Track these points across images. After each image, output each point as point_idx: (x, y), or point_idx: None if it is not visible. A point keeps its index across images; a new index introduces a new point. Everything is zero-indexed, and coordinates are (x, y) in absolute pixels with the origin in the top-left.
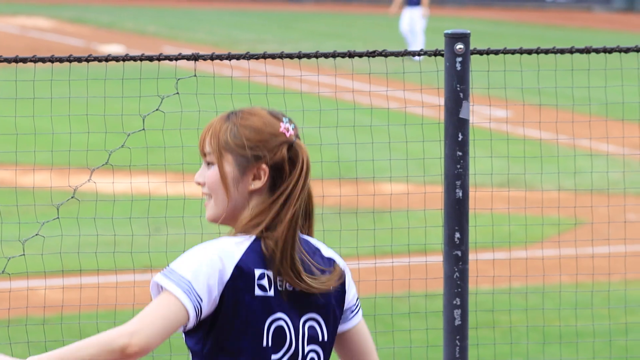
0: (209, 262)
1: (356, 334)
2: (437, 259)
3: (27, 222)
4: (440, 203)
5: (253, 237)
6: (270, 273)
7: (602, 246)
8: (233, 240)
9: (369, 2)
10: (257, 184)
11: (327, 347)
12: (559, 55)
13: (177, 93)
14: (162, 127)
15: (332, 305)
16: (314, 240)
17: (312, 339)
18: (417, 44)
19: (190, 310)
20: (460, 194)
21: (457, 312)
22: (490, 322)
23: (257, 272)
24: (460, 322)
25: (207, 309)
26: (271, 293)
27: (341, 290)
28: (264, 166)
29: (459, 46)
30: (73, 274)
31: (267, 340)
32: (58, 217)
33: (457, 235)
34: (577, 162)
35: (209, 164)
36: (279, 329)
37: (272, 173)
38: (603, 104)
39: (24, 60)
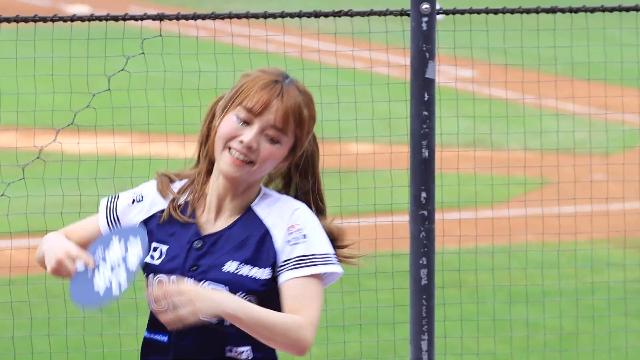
0: None
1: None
2: (403, 219)
3: None
4: (406, 163)
5: None
6: None
7: (568, 206)
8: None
9: None
10: (284, 168)
11: None
12: (524, 15)
13: (143, 53)
14: (128, 87)
15: None
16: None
17: None
18: None
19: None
20: (427, 154)
21: (423, 272)
22: (456, 281)
23: None
24: (426, 282)
25: None
26: None
27: None
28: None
29: (425, 6)
30: (39, 235)
31: None
32: (23, 178)
33: (424, 195)
34: (543, 122)
35: (273, 139)
36: None
37: None
38: (569, 64)
39: None
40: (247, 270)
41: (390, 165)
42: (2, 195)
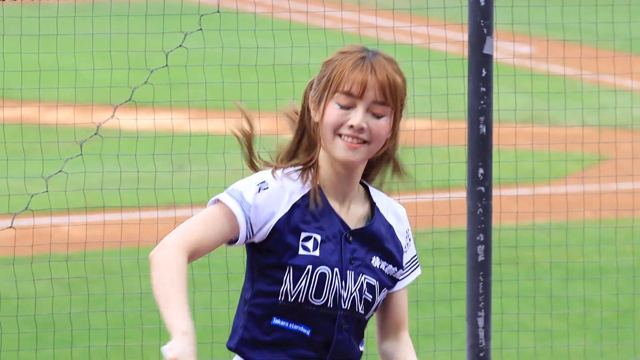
0: None
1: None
2: (460, 195)
3: (51, 159)
4: (463, 139)
5: None
6: None
7: (625, 182)
8: None
9: None
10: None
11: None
12: None
13: (200, 29)
14: (186, 63)
15: None
16: None
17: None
18: None
19: None
20: (484, 130)
21: (480, 248)
22: (513, 258)
23: None
24: (483, 258)
25: None
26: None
27: None
28: None
29: None
30: (96, 211)
31: None
32: (81, 154)
33: (481, 171)
34: (601, 98)
35: (378, 115)
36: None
37: None
38: (627, 40)
39: None
40: (387, 269)
41: (448, 142)
42: (60, 171)
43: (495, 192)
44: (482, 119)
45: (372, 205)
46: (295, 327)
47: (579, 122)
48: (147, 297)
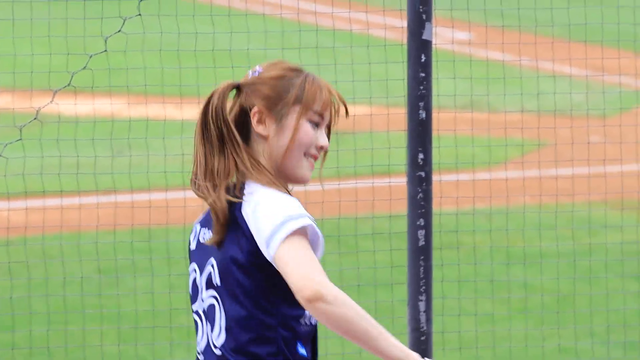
0: None
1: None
2: (401, 180)
3: None
4: (403, 125)
5: None
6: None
7: (565, 168)
8: None
9: None
10: None
11: (222, 291)
12: None
13: (139, 15)
14: (125, 49)
15: (226, 249)
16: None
17: (209, 284)
18: None
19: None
20: (424, 116)
21: (421, 233)
22: (454, 242)
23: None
24: (424, 243)
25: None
26: (192, 246)
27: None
28: None
29: None
30: (36, 196)
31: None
32: (21, 139)
33: (421, 156)
34: (540, 84)
35: (324, 130)
36: (192, 281)
37: None
38: (566, 26)
39: None
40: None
41: (388, 127)
42: None
43: (435, 177)
44: (421, 104)
45: None
46: (303, 350)
47: (518, 108)
48: (88, 282)
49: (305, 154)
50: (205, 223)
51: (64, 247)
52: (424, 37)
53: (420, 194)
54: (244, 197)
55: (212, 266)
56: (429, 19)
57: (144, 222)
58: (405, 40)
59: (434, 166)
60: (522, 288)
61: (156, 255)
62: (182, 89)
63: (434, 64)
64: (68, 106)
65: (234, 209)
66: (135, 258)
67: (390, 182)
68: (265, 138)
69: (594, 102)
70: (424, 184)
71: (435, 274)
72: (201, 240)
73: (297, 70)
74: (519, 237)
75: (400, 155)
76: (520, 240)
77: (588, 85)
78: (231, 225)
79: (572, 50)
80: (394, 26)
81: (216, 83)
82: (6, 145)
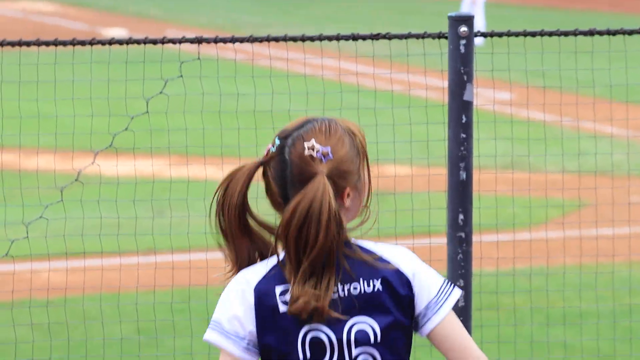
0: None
1: (439, 333)
2: (441, 241)
3: (31, 204)
4: (444, 185)
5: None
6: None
7: (605, 228)
8: (261, 263)
9: None
10: None
11: (382, 347)
12: (562, 37)
13: (181, 76)
14: (166, 110)
15: (385, 307)
16: (370, 245)
17: (361, 342)
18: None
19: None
20: (464, 176)
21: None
22: (494, 303)
23: (278, 289)
24: (464, 304)
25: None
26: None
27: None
28: None
29: (463, 29)
30: (77, 257)
31: (303, 353)
32: (62, 200)
33: (461, 217)
34: (581, 144)
35: None
36: (316, 339)
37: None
38: (607, 86)
39: (28, 43)
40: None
41: (428, 188)
42: (40, 217)
43: (475, 237)
44: (462, 165)
45: None
46: None
47: (559, 168)
48: (127, 343)
49: None
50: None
51: (104, 308)
52: (465, 97)
53: (460, 255)
54: None
55: None
56: (470, 79)
57: (183, 283)
58: (446, 101)
59: (474, 227)
60: (562, 349)
61: (195, 316)
62: (223, 150)
63: (474, 124)
64: (109, 167)
65: None
66: (174, 319)
67: (430, 243)
68: (347, 209)
69: (635, 162)
70: (464, 245)
71: (475, 335)
72: None
73: (343, 129)
74: (559, 297)
75: (440, 216)
76: (560, 301)
77: (629, 145)
78: None
79: (614, 110)
80: (435, 86)
81: (257, 144)
82: (47, 206)
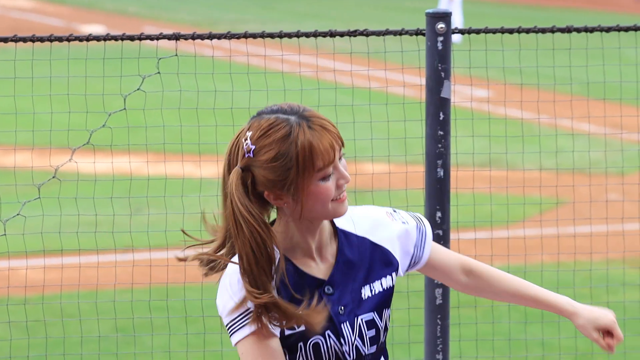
0: None
1: (431, 261)
2: None
3: (8, 202)
4: (421, 182)
5: None
6: None
7: (583, 225)
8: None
9: None
10: None
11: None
12: (540, 34)
13: (159, 73)
14: (144, 106)
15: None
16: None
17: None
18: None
19: None
20: (442, 174)
21: (438, 291)
22: (471, 301)
23: None
24: (441, 301)
25: None
26: None
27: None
28: None
29: (440, 25)
30: (54, 254)
31: None
32: (39, 197)
33: (439, 214)
34: (559, 142)
35: (340, 158)
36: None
37: None
38: (584, 84)
39: (5, 39)
40: (379, 286)
41: (406, 185)
42: (17, 214)
43: (453, 235)
44: (439, 162)
45: (336, 234)
46: None
47: (537, 165)
48: (105, 341)
49: (332, 202)
50: None
51: (82, 306)
52: (443, 94)
53: None
54: None
55: None
56: (447, 76)
57: (161, 281)
58: (423, 98)
59: (452, 224)
60: (539, 347)
61: (173, 314)
62: (200, 147)
63: (452, 121)
64: (86, 164)
65: None
66: (152, 316)
67: None
68: (286, 208)
69: (612, 160)
70: (442, 242)
71: (453, 332)
72: None
73: (286, 137)
74: None
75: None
76: None
77: (607, 143)
78: None
79: (591, 108)
80: (413, 84)
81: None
82: (24, 203)
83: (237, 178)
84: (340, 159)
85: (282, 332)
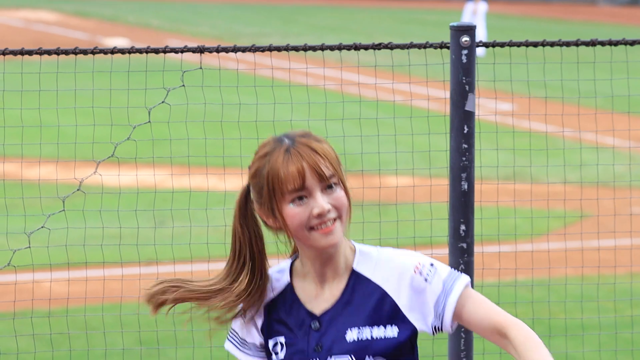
0: None
1: (463, 311)
2: (442, 252)
3: (33, 214)
4: (445, 196)
5: None
6: None
7: (607, 239)
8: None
9: None
10: None
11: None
12: (564, 48)
13: (183, 85)
14: (168, 119)
15: None
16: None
17: None
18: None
19: None
20: (466, 187)
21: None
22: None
23: None
24: (464, 348)
25: None
26: None
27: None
28: None
29: (465, 39)
30: (78, 267)
31: None
32: (64, 210)
33: (463, 227)
34: (583, 155)
35: (331, 186)
36: None
37: None
38: (609, 97)
39: (30, 52)
40: (369, 333)
41: (430, 198)
42: (42, 227)
43: (477, 248)
44: (464, 175)
45: (351, 275)
46: None
47: (561, 179)
48: (129, 353)
49: (308, 229)
50: None
51: (106, 318)
52: (467, 108)
53: (462, 266)
54: None
55: None
56: (471, 90)
57: None
58: (448, 111)
59: (476, 237)
60: None
61: (197, 327)
62: (225, 160)
63: (476, 135)
64: (111, 177)
65: None
66: (176, 329)
67: (432, 254)
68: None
69: (637, 173)
70: (466, 256)
71: (476, 346)
72: None
73: (265, 155)
74: (561, 308)
75: (442, 227)
76: (562, 312)
77: (631, 156)
78: None
79: (615, 122)
80: (437, 97)
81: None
82: (49, 216)
83: (242, 192)
84: (328, 187)
85: (270, 356)
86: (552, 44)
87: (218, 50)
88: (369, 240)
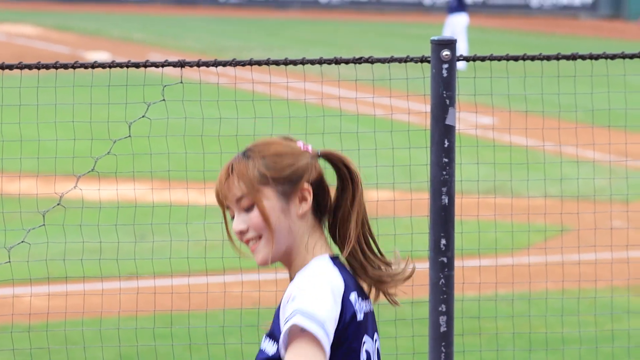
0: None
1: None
2: (423, 266)
3: (13, 229)
4: (426, 210)
5: (329, 259)
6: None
7: (588, 253)
8: (330, 267)
9: (353, 9)
10: (305, 206)
11: None
12: (545, 62)
13: (164, 100)
14: (149, 134)
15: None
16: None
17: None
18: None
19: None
20: (446, 201)
21: (442, 319)
22: (476, 329)
23: (352, 296)
24: (445, 329)
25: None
26: (360, 317)
27: None
28: (306, 185)
29: (445, 53)
30: (59, 282)
31: None
32: (44, 225)
33: (443, 241)
34: (564, 169)
35: (245, 209)
36: (367, 349)
37: (315, 191)
38: (589, 111)
39: (10, 67)
40: (264, 345)
41: (411, 212)
42: (22, 242)
43: (457, 262)
44: (444, 189)
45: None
46: None
47: (542, 193)
48: None
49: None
50: (360, 291)
51: (86, 333)
52: (447, 122)
53: (442, 280)
54: None
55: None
56: (452, 104)
57: (166, 308)
58: (428, 125)
59: (457, 251)
60: None
61: (177, 342)
62: (205, 174)
63: (457, 149)
64: (91, 191)
65: None
66: (156, 344)
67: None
68: None
69: (617, 188)
70: (446, 270)
71: None
72: (365, 310)
73: (257, 171)
74: (541, 322)
75: (422, 241)
76: (543, 326)
77: (611, 171)
78: None
79: (596, 136)
80: (418, 111)
81: None
82: (29, 230)
83: None
84: (244, 209)
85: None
86: (532, 58)
87: (199, 64)
88: None
